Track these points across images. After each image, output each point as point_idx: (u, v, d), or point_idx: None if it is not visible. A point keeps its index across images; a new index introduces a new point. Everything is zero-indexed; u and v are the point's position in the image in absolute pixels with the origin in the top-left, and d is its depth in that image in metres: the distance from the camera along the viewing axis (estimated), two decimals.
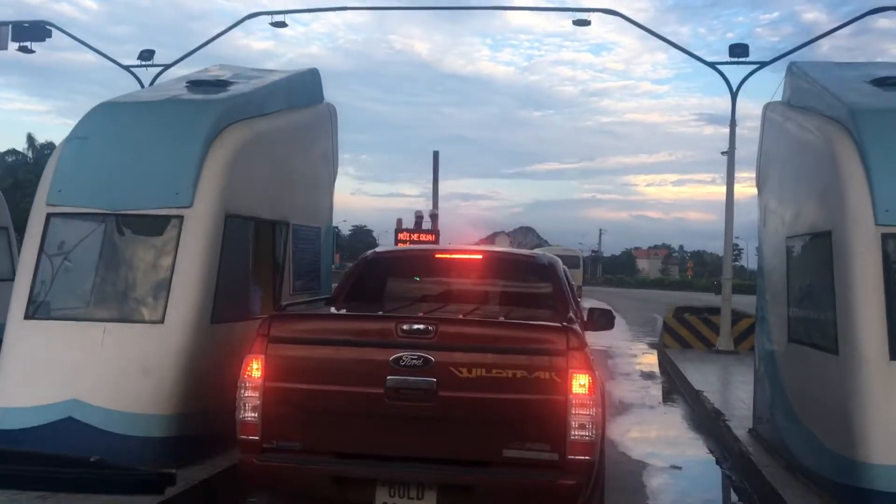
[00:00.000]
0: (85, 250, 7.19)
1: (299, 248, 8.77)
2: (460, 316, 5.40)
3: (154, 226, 7.13)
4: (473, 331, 5.09)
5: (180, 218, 6.98)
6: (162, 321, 6.73)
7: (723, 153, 65.05)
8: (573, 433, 4.65)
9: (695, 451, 9.58)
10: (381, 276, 7.11)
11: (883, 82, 7.50)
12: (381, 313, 5.34)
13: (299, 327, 5.19)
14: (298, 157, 9.04)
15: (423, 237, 24.28)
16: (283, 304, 5.69)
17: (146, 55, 19.86)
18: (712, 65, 18.19)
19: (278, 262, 8.44)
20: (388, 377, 4.74)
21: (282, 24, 19.59)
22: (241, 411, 4.90)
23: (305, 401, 4.91)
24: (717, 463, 8.87)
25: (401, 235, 24.20)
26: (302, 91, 9.45)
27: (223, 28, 19.95)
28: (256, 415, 4.87)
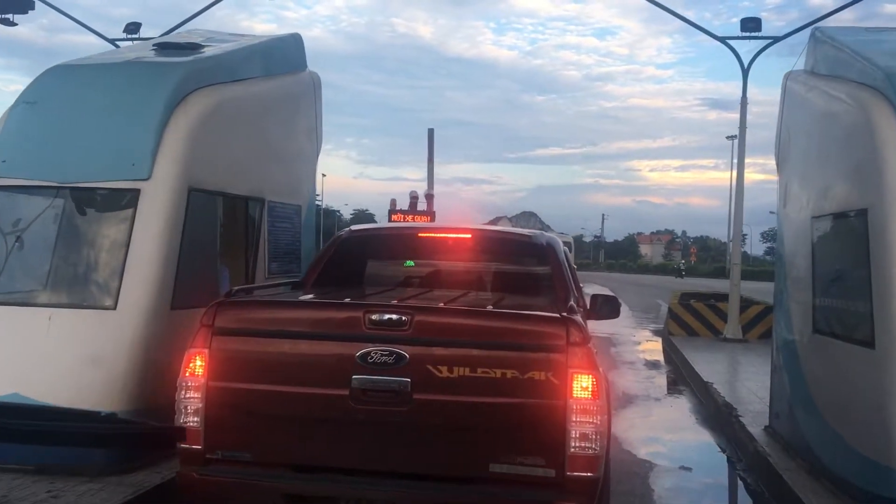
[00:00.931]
0: (31, 228, 6.46)
1: (276, 227, 8.03)
2: (440, 304, 4.59)
3: (107, 200, 6.40)
4: (455, 322, 4.28)
5: (136, 192, 6.26)
6: (114, 307, 6.02)
7: (728, 138, 64.10)
8: (573, 445, 3.93)
9: (705, 450, 8.89)
10: (357, 258, 6.32)
11: None
12: (347, 300, 4.50)
13: (250, 316, 4.42)
14: (276, 128, 8.29)
15: (418, 219, 23.46)
16: (233, 289, 4.80)
17: (132, 28, 19.06)
18: (723, 39, 17.36)
19: (251, 242, 7.71)
20: (354, 376, 4.03)
21: None
22: (181, 416, 4.19)
23: (257, 404, 4.19)
24: (730, 463, 8.17)
25: (394, 217, 23.35)
26: (282, 57, 8.69)
27: (220, 9, 19.08)
28: (198, 420, 4.14)
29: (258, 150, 7.81)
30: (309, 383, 4.13)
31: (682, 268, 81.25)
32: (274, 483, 4.14)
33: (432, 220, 24.03)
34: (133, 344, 5.97)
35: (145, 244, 6.17)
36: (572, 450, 3.92)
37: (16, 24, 19.54)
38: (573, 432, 3.92)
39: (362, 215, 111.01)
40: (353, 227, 6.78)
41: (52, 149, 6.43)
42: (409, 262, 6.88)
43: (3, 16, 19.54)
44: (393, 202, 23.95)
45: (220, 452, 4.18)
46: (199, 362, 4.19)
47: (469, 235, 6.55)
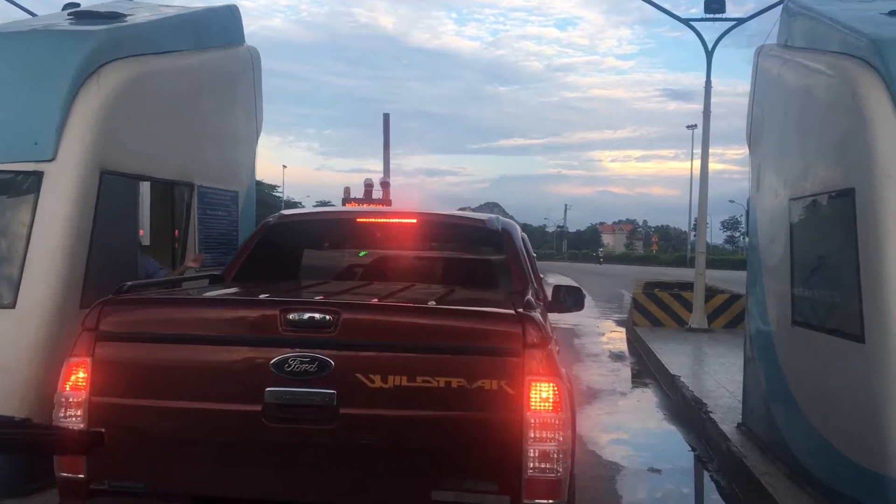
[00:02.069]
0: None
1: (208, 215, 7.31)
2: (373, 300, 3.86)
3: (6, 184, 5.65)
4: (390, 321, 3.58)
5: (39, 174, 5.53)
6: (13, 305, 5.31)
7: (688, 127, 64.71)
8: (532, 467, 3.32)
9: (675, 450, 8.36)
10: (288, 247, 5.61)
11: None
12: (260, 297, 3.77)
13: (141, 317, 3.69)
14: (208, 107, 7.55)
15: (374, 207, 22.66)
16: (125, 285, 3.95)
17: (70, 6, 18.05)
18: (687, 21, 16.91)
19: (179, 232, 6.99)
20: (268, 389, 3.37)
21: None
22: None
23: (151, 423, 3.51)
24: (702, 464, 7.65)
25: (348, 205, 22.48)
26: (216, 29, 7.94)
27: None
28: None
29: (186, 129, 7.08)
30: (214, 398, 3.45)
31: (601, 256, 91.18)
32: None
33: None
34: (35, 346, 5.28)
35: (49, 234, 5.44)
36: (530, 472, 3.33)
37: None
38: (531, 451, 3.32)
39: (324, 206, 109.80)
40: (284, 212, 6.01)
41: None
42: (363, 252, 6.26)
43: None
44: (347, 190, 23.08)
45: (107, 482, 3.49)
46: (80, 374, 3.50)
47: (415, 220, 5.80)
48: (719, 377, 10.86)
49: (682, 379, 10.57)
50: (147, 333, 3.61)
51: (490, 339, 3.45)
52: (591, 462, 7.37)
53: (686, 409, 9.47)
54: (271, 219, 5.65)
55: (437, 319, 3.64)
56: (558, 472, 3.34)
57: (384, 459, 3.42)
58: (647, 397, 11.12)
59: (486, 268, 5.67)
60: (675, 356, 12.89)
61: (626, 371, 13.38)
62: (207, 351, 3.53)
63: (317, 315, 3.42)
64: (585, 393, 10.85)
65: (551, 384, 3.38)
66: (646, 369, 13.30)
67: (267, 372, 3.37)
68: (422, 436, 3.40)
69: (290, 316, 3.42)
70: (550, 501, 3.35)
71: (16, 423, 1.94)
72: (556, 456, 3.34)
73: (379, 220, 6.15)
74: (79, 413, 3.47)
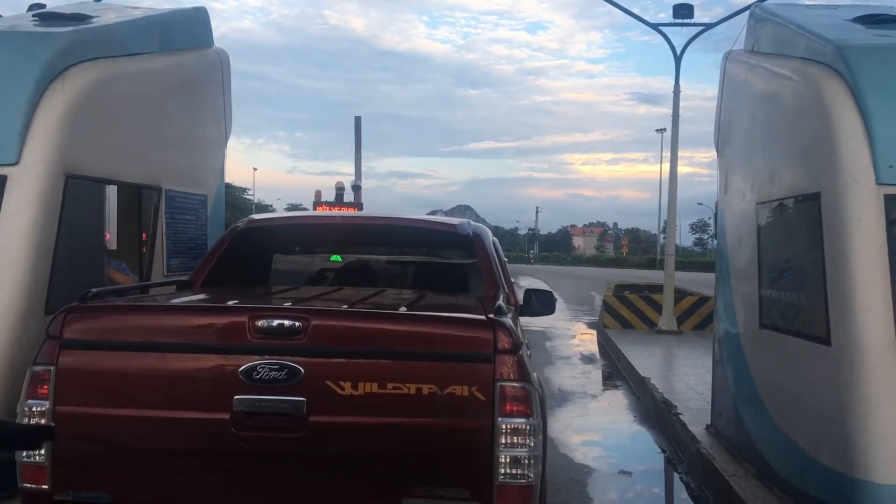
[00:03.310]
0: None
1: (176, 219, 7.21)
2: (343, 306, 3.85)
3: None
4: (360, 327, 3.57)
5: (2, 178, 5.41)
6: None
7: (657, 131, 65.46)
8: (503, 473, 3.31)
9: (645, 452, 8.41)
10: (257, 252, 5.56)
11: (870, 20, 6.33)
12: (228, 303, 3.75)
13: (106, 325, 3.63)
14: (176, 109, 7.45)
15: (345, 211, 22.57)
16: (91, 291, 3.91)
17: (36, 7, 17.76)
18: (655, 26, 17.06)
19: (146, 237, 6.89)
20: (237, 397, 3.33)
21: None
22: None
23: (117, 433, 3.44)
24: (672, 466, 7.71)
25: (319, 209, 22.37)
26: (184, 31, 7.84)
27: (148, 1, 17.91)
28: (44, 454, 3.37)
29: (154, 133, 6.98)
30: (181, 406, 3.40)
31: (532, 256, 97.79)
32: None
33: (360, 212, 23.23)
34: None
35: (13, 239, 5.33)
36: (501, 479, 3.31)
37: None
38: (502, 458, 3.31)
39: (295, 209, 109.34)
40: (253, 217, 5.95)
41: None
42: (336, 257, 6.25)
43: None
44: (318, 193, 22.96)
45: (71, 493, 3.42)
46: (43, 382, 3.43)
47: (386, 225, 5.79)
48: (689, 379, 10.95)
49: (651, 381, 10.64)
50: (113, 341, 3.55)
51: (461, 345, 3.44)
52: (562, 465, 7.39)
53: (656, 411, 9.53)
54: (240, 223, 5.61)
55: (407, 325, 3.61)
56: (529, 478, 3.33)
57: (355, 467, 3.41)
58: (618, 399, 11.19)
59: (457, 272, 5.70)
60: (644, 358, 12.98)
61: (596, 373, 13.45)
62: (175, 359, 3.48)
63: (286, 322, 3.38)
64: (557, 395, 10.89)
65: (522, 390, 3.37)
66: (616, 371, 13.38)
67: (235, 380, 3.34)
68: (392, 443, 3.38)
69: (259, 323, 3.38)
70: None
71: None
72: (527, 462, 3.32)
73: (349, 224, 6.10)
74: (42, 423, 3.39)
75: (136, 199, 6.90)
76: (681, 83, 17.04)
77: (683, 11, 16.45)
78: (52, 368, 3.45)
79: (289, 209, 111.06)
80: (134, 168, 6.62)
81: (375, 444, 3.38)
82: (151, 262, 6.83)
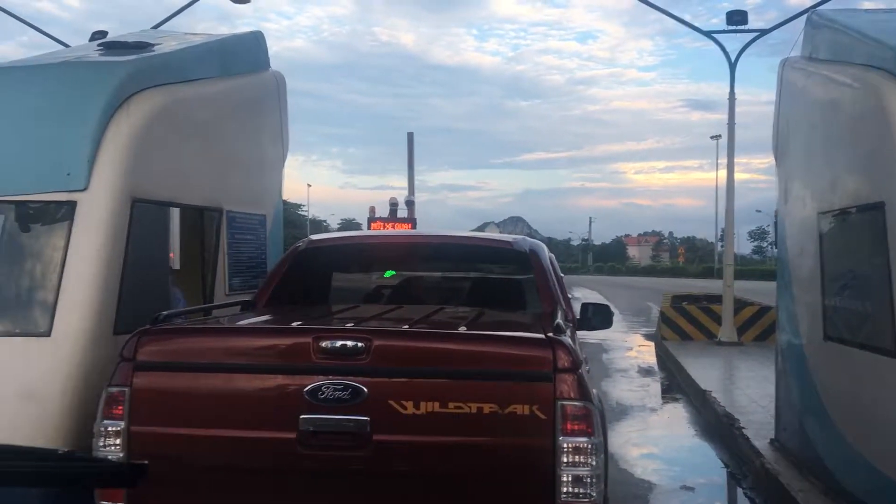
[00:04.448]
0: None
1: (237, 240, 7.36)
2: (403, 326, 3.92)
3: (40, 214, 5.74)
4: (422, 346, 3.64)
5: (73, 204, 5.60)
6: (48, 333, 5.34)
7: (712, 137, 64.38)
8: (565, 492, 3.29)
9: (707, 466, 8.28)
10: (317, 272, 5.65)
11: None
12: (293, 325, 3.83)
13: (178, 347, 3.76)
14: (235, 132, 7.62)
15: (398, 226, 22.74)
16: (161, 314, 4.07)
17: (98, 37, 18.38)
18: (709, 34, 16.87)
19: (208, 257, 7.05)
20: (302, 416, 3.39)
21: (244, 0, 18.17)
22: None
23: (189, 452, 3.53)
24: (736, 481, 7.57)
25: (374, 225, 22.56)
26: (242, 56, 8.04)
27: (204, 21, 18.46)
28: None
29: (214, 155, 7.16)
30: (249, 426, 3.49)
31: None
32: None
33: (413, 227, 23.32)
34: (70, 374, 5.30)
35: (83, 262, 5.51)
36: (564, 498, 3.30)
37: None
38: (564, 477, 3.30)
39: (349, 224, 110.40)
40: (313, 237, 6.06)
41: None
42: (390, 272, 6.32)
43: None
44: (372, 209, 23.21)
45: None
46: (118, 403, 3.55)
47: (444, 243, 5.88)
48: (751, 392, 10.75)
49: (713, 394, 10.48)
50: (183, 363, 3.67)
51: (521, 364, 3.47)
52: (622, 480, 7.32)
53: (718, 425, 9.38)
54: (300, 244, 5.74)
55: (467, 345, 3.67)
56: (592, 496, 3.32)
57: (417, 486, 3.43)
58: (678, 413, 11.04)
59: (514, 289, 5.70)
60: (705, 370, 12.79)
61: (655, 386, 13.28)
62: (242, 379, 3.58)
63: (349, 342, 3.44)
64: (615, 409, 10.79)
65: (583, 409, 3.36)
66: (676, 384, 13.19)
67: (301, 399, 3.40)
68: (454, 462, 3.40)
69: (323, 344, 3.44)
70: None
71: (60, 455, 1.94)
72: (589, 481, 3.31)
73: (406, 242, 6.22)
74: (118, 442, 3.53)
75: (199, 220, 7.06)
76: (735, 89, 16.81)
77: (737, 18, 16.20)
78: (126, 389, 3.57)
79: (342, 225, 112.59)
80: (196, 190, 6.79)
81: (438, 463, 3.41)
82: (214, 282, 6.98)
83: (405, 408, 3.37)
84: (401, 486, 3.44)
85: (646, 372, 14.79)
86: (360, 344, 3.43)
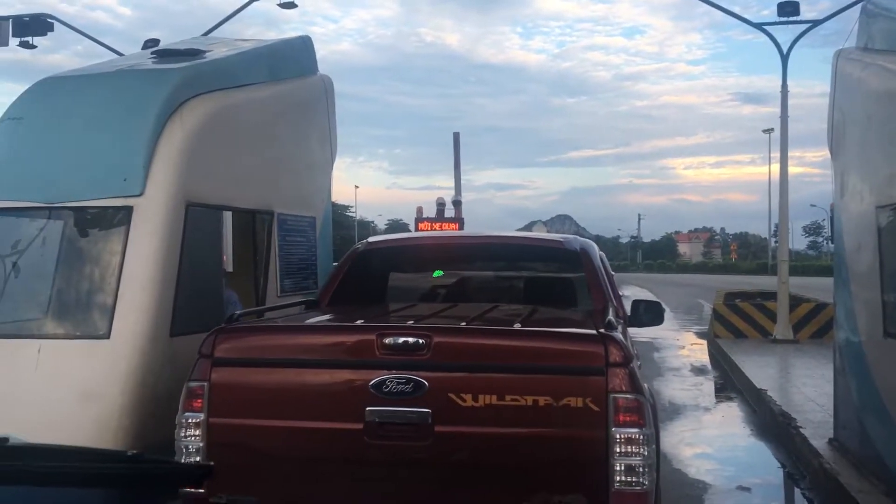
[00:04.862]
0: (17, 253, 5.97)
1: (287, 242, 7.46)
2: (461, 323, 4.10)
3: (98, 219, 5.89)
4: (479, 343, 3.82)
5: (129, 209, 5.73)
6: (107, 336, 5.48)
7: (764, 131, 63.13)
8: (618, 480, 3.42)
9: (764, 466, 8.13)
10: (376, 272, 5.87)
11: None
12: (358, 322, 4.02)
13: (252, 344, 4.01)
14: (285, 136, 7.74)
15: (446, 226, 22.77)
16: (235, 314, 4.33)
17: (151, 45, 18.77)
18: (759, 26, 16.56)
19: (260, 259, 7.16)
20: (368, 408, 3.58)
21: (290, 6, 18.41)
22: (181, 456, 3.76)
23: (263, 442, 3.75)
24: (793, 481, 7.42)
25: (421, 225, 22.65)
26: (290, 60, 8.15)
27: (252, 27, 18.80)
28: (200, 461, 3.70)
29: (265, 159, 7.27)
30: (319, 417, 3.71)
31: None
32: None
33: (460, 227, 23.41)
34: (128, 375, 5.43)
35: (139, 265, 5.64)
36: (617, 486, 3.42)
37: (35, 47, 19.43)
38: (617, 466, 3.43)
39: (396, 225, 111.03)
40: (371, 239, 6.32)
41: (39, 167, 5.95)
42: (438, 272, 6.49)
43: (22, 39, 19.45)
44: (419, 210, 23.34)
45: (224, 497, 3.60)
46: (197, 397, 3.78)
47: (496, 243, 6.13)
48: (808, 391, 10.53)
49: (768, 393, 10.30)
50: (257, 358, 3.91)
51: (574, 359, 3.63)
52: (677, 481, 7.23)
53: (774, 425, 9.21)
54: (360, 245, 5.97)
55: (523, 341, 3.83)
56: (644, 485, 3.42)
57: (477, 475, 3.58)
58: (733, 412, 10.86)
59: (566, 287, 5.82)
60: (760, 369, 12.57)
61: (708, 385, 13.09)
62: (311, 373, 3.80)
63: (410, 339, 3.63)
64: (668, 408, 10.67)
65: (635, 401, 3.48)
66: (730, 383, 12.99)
67: (367, 393, 3.58)
68: (512, 452, 3.55)
69: (387, 340, 3.63)
70: None
71: (128, 457, 2.01)
72: (641, 470, 3.42)
73: (459, 243, 6.45)
74: (198, 433, 3.75)
75: (251, 223, 7.18)
76: (788, 81, 16.46)
77: (789, 9, 15.86)
78: (205, 384, 3.78)
79: (389, 226, 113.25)
80: (248, 194, 6.90)
81: (496, 453, 3.56)
82: (266, 284, 7.09)
83: (464, 400, 3.53)
84: (461, 474, 3.59)
85: (699, 370, 14.58)
86: (420, 340, 3.61)
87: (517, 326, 4.00)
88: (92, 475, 2.00)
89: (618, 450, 3.42)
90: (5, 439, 2.26)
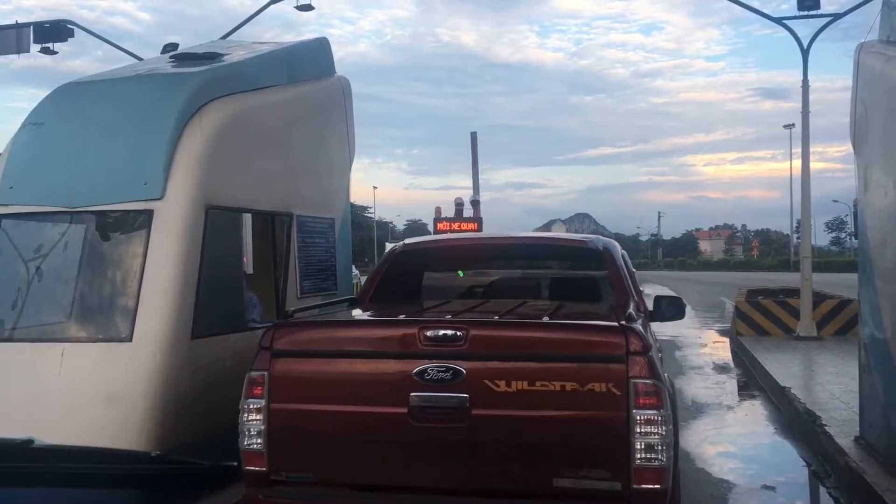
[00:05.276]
0: (39, 257, 6.03)
1: (307, 243, 7.49)
2: (495, 317, 4.48)
3: (119, 223, 5.95)
4: (511, 334, 4.23)
5: (149, 213, 5.79)
6: (129, 339, 5.54)
7: (785, 127, 62.54)
8: (638, 457, 3.78)
9: (788, 465, 8.03)
10: (413, 272, 6.28)
11: None
12: (401, 317, 4.42)
13: (307, 337, 4.36)
14: (303, 138, 7.76)
15: (464, 226, 22.76)
16: (291, 310, 4.72)
17: (170, 49, 18.90)
18: (780, 20, 16.39)
19: (280, 261, 7.19)
20: (412, 394, 3.97)
21: (307, 8, 18.46)
22: (245, 438, 4.16)
23: (318, 424, 4.16)
24: (819, 480, 7.33)
25: (439, 225, 22.68)
26: (308, 62, 8.18)
27: (270, 29, 18.92)
28: (262, 442, 4.12)
29: (284, 161, 7.30)
30: (368, 402, 4.07)
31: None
32: (340, 502, 4.13)
33: (479, 226, 23.47)
34: (150, 378, 5.48)
35: (161, 269, 5.68)
36: (637, 462, 3.78)
37: (55, 53, 19.63)
38: (637, 444, 3.78)
39: (415, 225, 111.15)
40: (408, 241, 6.62)
41: (60, 171, 6.02)
42: (461, 272, 6.86)
43: (43, 45, 19.65)
44: (438, 210, 23.37)
45: (284, 474, 4.15)
46: (258, 385, 4.16)
47: (524, 244, 6.55)
48: (833, 388, 10.41)
49: (792, 391, 10.18)
50: (311, 350, 4.25)
51: (598, 348, 3.94)
52: (700, 480, 7.17)
53: (798, 423, 9.11)
54: (398, 247, 6.30)
55: (551, 332, 4.18)
56: (662, 460, 3.77)
57: (511, 452, 3.94)
58: (756, 410, 10.74)
59: (590, 284, 6.14)
60: (783, 366, 12.44)
61: (731, 383, 12.96)
62: (361, 363, 4.15)
63: (449, 331, 3.99)
64: (691, 407, 10.59)
65: (653, 384, 3.81)
66: (753, 381, 12.87)
67: (410, 380, 3.95)
68: (542, 432, 3.89)
69: (428, 333, 4.00)
70: (657, 486, 3.78)
71: (151, 458, 2.08)
72: (659, 447, 3.77)
73: (489, 244, 6.82)
74: (259, 417, 4.11)
75: (270, 225, 7.20)
76: (808, 76, 16.27)
77: (809, 3, 15.68)
78: (265, 373, 4.14)
79: (408, 226, 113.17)
80: (267, 196, 6.93)
81: (528, 433, 3.91)
82: (286, 285, 7.12)
83: (498, 386, 3.89)
84: (495, 452, 3.94)
85: (721, 369, 14.46)
86: (458, 332, 3.97)
87: (545, 319, 4.31)
88: (116, 476, 2.11)
89: (638, 430, 3.75)
90: (30, 441, 2.32)
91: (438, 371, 3.94)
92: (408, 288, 6.13)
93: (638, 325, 4.03)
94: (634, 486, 3.77)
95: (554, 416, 3.86)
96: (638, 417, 3.76)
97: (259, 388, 4.13)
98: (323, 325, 4.67)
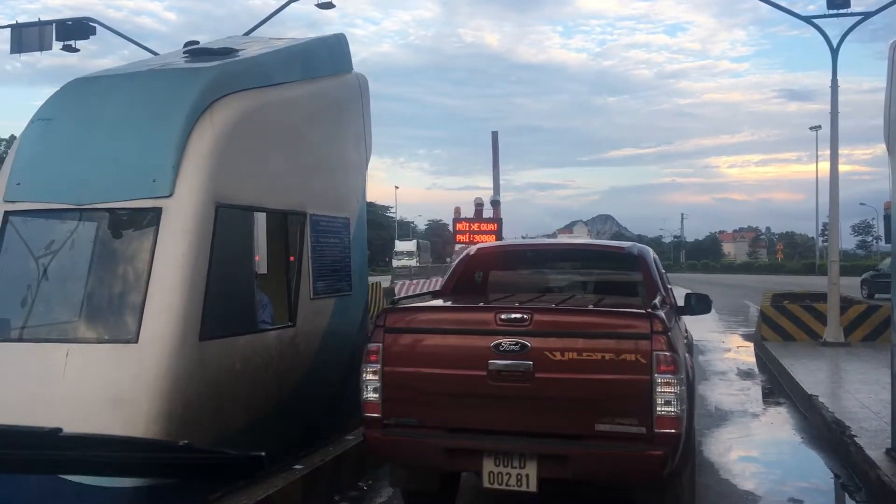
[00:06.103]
0: (47, 255, 5.90)
1: (321, 243, 7.30)
2: (553, 305, 5.75)
3: (127, 221, 5.80)
4: (565, 318, 5.46)
5: (158, 210, 5.64)
6: (135, 340, 5.39)
7: (811, 128, 61.87)
8: (659, 409, 4.93)
9: (817, 477, 7.76)
10: (483, 270, 7.51)
11: None
12: (482, 304, 5.87)
13: (411, 318, 5.62)
14: (318, 136, 7.57)
15: (484, 226, 22.51)
16: (395, 299, 6.85)
17: (191, 46, 18.86)
18: (808, 19, 16.04)
19: (292, 261, 7.01)
20: (490, 361, 5.17)
21: (328, 6, 18.34)
22: (365, 392, 5.44)
23: (419, 383, 5.38)
24: (848, 493, 7.06)
25: (459, 226, 22.46)
26: (324, 58, 7.99)
27: (294, 29, 18.83)
28: (378, 395, 5.41)
29: (298, 159, 7.12)
30: (457, 367, 5.28)
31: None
32: (435, 440, 5.33)
33: (499, 227, 23.19)
34: (157, 380, 5.33)
35: (168, 268, 5.53)
36: (658, 412, 4.93)
37: (77, 50, 19.65)
38: (658, 399, 4.92)
39: (436, 225, 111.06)
40: (480, 245, 8.20)
41: (68, 168, 5.88)
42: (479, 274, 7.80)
43: (65, 42, 19.69)
44: (457, 210, 23.14)
45: (394, 419, 5.41)
46: (375, 354, 5.41)
47: (573, 249, 8.73)
48: (861, 396, 10.09)
49: (819, 399, 9.89)
50: (414, 328, 5.52)
51: (630, 329, 5.11)
52: (723, 492, 6.96)
53: (826, 433, 8.82)
54: (472, 250, 7.57)
55: (595, 318, 5.42)
56: (677, 411, 4.93)
57: (564, 405, 5.12)
58: (782, 419, 10.45)
59: (627, 282, 7.27)
60: (810, 373, 12.13)
61: (756, 390, 12.67)
62: (452, 338, 5.42)
63: (519, 315, 5.23)
64: (714, 415, 10.35)
65: (670, 356, 4.94)
66: (778, 388, 12.57)
67: (489, 351, 5.18)
68: (587, 390, 5.07)
69: (503, 316, 5.25)
70: (672, 430, 4.92)
71: (178, 447, 2.18)
72: (675, 402, 4.92)
73: (545, 249, 8.97)
74: (376, 377, 5.39)
75: (283, 224, 7.03)
76: (825, 82, 15.87)
77: (839, 2, 15.32)
78: (380, 345, 5.42)
79: (429, 227, 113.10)
80: (280, 195, 6.76)
81: (577, 390, 5.08)
82: (299, 285, 6.94)
83: (555, 356, 5.09)
84: (553, 404, 5.13)
85: (745, 374, 14.15)
86: (525, 316, 5.21)
87: (590, 307, 5.61)
88: (145, 464, 2.12)
89: (659, 389, 4.92)
90: (58, 430, 2.22)
91: (510, 345, 5.14)
92: (477, 283, 7.37)
93: (661, 313, 5.16)
94: (656, 430, 4.92)
95: (596, 379, 5.03)
96: (659, 380, 4.92)
97: (375, 356, 5.40)
98: (423, 309, 5.94)
